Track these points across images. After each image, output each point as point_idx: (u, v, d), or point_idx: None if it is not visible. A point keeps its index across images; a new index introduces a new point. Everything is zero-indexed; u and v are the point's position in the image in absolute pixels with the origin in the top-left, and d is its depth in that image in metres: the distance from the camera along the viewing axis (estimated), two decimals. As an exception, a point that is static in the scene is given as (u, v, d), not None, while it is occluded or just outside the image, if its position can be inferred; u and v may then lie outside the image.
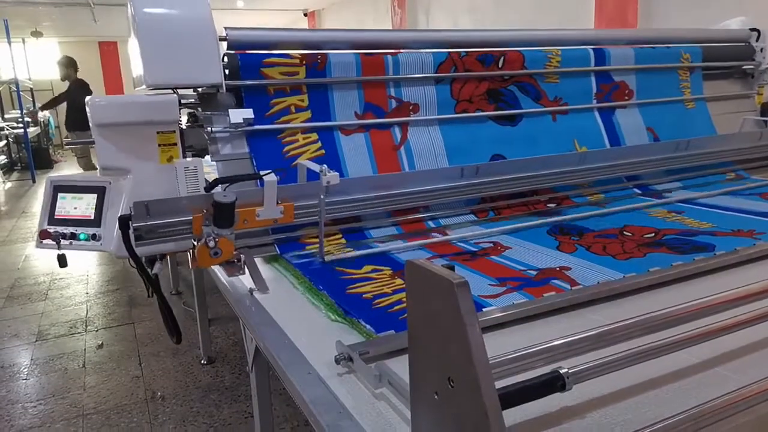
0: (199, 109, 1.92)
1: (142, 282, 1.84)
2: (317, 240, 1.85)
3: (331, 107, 2.06)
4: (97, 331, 3.87)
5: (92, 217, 1.89)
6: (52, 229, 1.90)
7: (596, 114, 2.54)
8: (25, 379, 3.24)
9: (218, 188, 1.70)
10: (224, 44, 1.90)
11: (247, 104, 1.92)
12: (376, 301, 1.41)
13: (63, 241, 1.88)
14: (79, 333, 3.84)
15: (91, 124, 1.83)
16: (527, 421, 0.91)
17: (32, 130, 11.27)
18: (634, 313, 1.00)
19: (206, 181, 1.77)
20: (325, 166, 1.60)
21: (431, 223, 2.04)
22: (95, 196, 1.89)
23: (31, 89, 12.40)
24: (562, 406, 0.94)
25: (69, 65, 7.96)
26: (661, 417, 0.84)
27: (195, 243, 1.68)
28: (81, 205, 1.90)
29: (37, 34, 13.64)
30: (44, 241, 1.90)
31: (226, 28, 1.88)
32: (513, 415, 0.89)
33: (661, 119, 2.66)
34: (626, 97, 2.62)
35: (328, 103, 2.05)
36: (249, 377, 1.67)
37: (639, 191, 2.43)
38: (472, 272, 1.60)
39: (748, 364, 1.07)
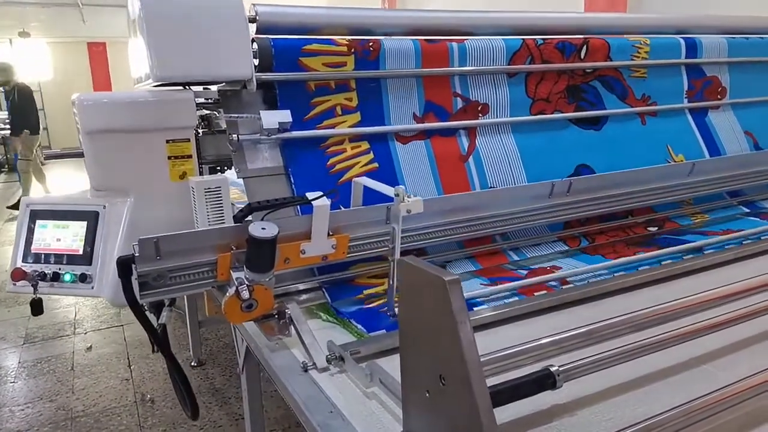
0: (220, 111, 1.48)
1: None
2: (377, 282, 1.43)
3: (385, 108, 1.63)
4: (85, 333, 3.77)
5: (80, 252, 1.45)
6: (28, 267, 1.46)
7: (688, 115, 2.12)
8: (13, 382, 3.16)
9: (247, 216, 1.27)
10: (252, 27, 1.46)
11: (282, 104, 1.49)
12: (368, 300, 1.36)
13: (42, 284, 1.45)
14: (67, 335, 3.75)
15: (79, 131, 1.39)
16: (519, 419, 0.91)
17: (20, 132, 10.84)
18: (623, 311, 1.01)
19: (233, 205, 1.34)
20: (402, 187, 1.16)
21: (513, 255, 1.61)
22: (84, 224, 1.45)
23: (19, 90, 11.96)
24: (553, 403, 0.94)
25: (5, 69, 7.74)
26: (651, 414, 0.82)
27: (215, 288, 1.26)
28: (66, 236, 1.46)
29: (24, 34, 13.15)
30: (18, 284, 1.46)
31: (254, 5, 1.45)
32: (505, 413, 0.88)
33: (759, 122, 2.25)
34: (719, 96, 2.20)
35: (381, 102, 1.62)
36: (240, 379, 1.62)
37: (747, 209, 2.02)
38: None
39: (736, 362, 1.08)
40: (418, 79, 1.66)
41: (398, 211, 1.16)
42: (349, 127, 1.57)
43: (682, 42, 2.10)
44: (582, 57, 1.88)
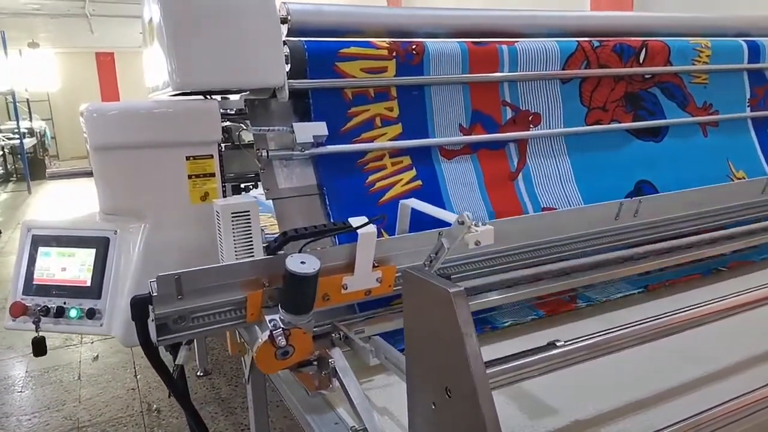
0: (246, 122, 1.31)
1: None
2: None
3: (428, 118, 1.45)
4: (92, 342, 3.76)
5: (88, 284, 1.28)
6: (29, 300, 1.28)
7: (750, 126, 1.94)
8: (20, 391, 3.17)
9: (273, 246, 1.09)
10: (283, 29, 1.29)
11: (316, 115, 1.32)
12: None
13: (44, 320, 1.27)
14: (74, 345, 3.74)
15: (88, 147, 1.23)
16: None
17: (28, 141, 10.80)
18: (636, 321, 0.94)
19: (262, 232, 1.16)
20: (468, 214, 0.98)
21: (579, 301, 1.42)
22: (93, 252, 1.28)
23: (27, 100, 11.92)
24: (562, 422, 0.93)
25: None
26: (660, 426, 0.82)
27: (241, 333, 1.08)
28: (72, 265, 1.29)
29: (33, 45, 13.15)
30: (17, 319, 1.28)
31: (285, 4, 1.28)
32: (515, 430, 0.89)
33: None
34: (782, 104, 2.02)
35: (425, 112, 1.45)
36: (246, 389, 1.58)
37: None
38: None
39: (745, 373, 1.06)
40: (464, 87, 1.49)
41: (456, 236, 0.97)
42: (390, 140, 1.40)
43: (745, 45, 1.92)
44: (641, 61, 1.70)
